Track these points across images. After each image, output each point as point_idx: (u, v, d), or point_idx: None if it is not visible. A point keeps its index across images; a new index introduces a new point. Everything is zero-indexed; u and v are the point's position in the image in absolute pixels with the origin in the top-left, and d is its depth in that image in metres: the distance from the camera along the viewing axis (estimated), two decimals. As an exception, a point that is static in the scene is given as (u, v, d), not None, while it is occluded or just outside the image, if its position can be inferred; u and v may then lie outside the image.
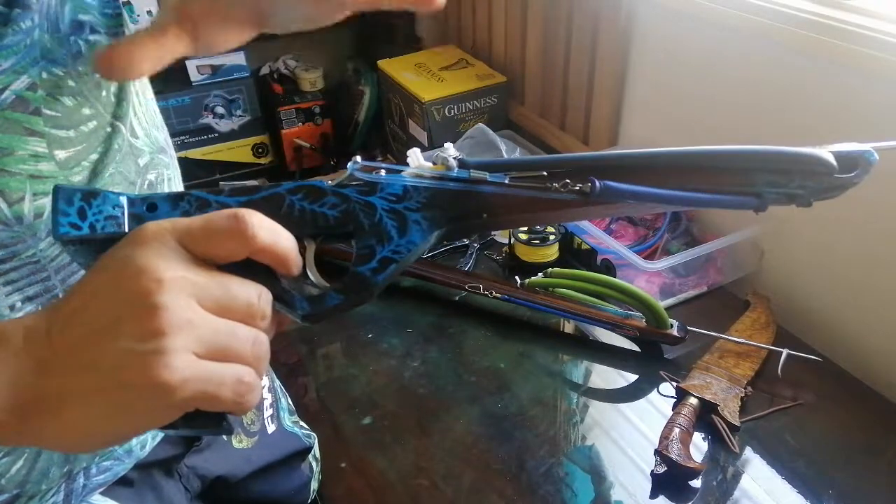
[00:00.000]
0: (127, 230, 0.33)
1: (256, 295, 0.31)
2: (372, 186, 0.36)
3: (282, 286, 0.34)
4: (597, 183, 0.36)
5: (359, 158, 0.38)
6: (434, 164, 0.37)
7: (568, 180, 0.36)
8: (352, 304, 0.36)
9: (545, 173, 0.37)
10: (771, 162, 0.36)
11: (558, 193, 0.36)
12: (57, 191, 0.33)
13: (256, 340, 0.30)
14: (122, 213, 0.34)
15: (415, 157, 0.38)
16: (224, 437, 0.62)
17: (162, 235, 0.30)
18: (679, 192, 0.36)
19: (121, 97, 0.43)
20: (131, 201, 0.34)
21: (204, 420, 0.31)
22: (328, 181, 0.37)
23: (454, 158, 0.37)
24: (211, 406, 0.29)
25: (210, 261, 0.31)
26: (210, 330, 0.29)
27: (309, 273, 0.36)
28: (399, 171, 0.37)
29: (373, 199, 0.36)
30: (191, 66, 1.80)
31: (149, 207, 0.34)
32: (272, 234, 0.31)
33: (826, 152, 0.36)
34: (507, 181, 0.37)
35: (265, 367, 0.31)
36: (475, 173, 0.37)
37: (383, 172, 0.37)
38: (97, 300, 0.29)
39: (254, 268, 0.32)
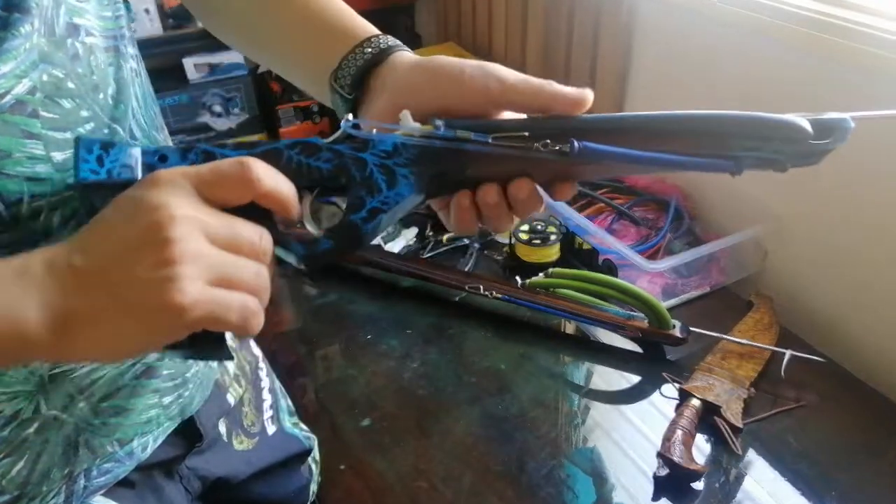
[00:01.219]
0: (140, 177, 0.37)
1: (258, 235, 0.35)
2: (364, 143, 0.39)
3: (280, 231, 0.38)
4: (575, 143, 0.38)
5: (350, 116, 0.40)
6: (423, 124, 0.40)
7: (548, 140, 0.38)
8: (342, 249, 0.39)
9: (527, 134, 0.39)
10: (748, 127, 0.38)
11: (539, 153, 0.38)
12: (78, 140, 0.37)
13: (259, 273, 0.34)
14: (136, 163, 0.37)
15: (406, 118, 0.40)
16: (225, 438, 0.61)
17: (175, 178, 0.33)
18: (655, 154, 0.38)
19: (119, 100, 0.43)
20: (144, 152, 0.38)
21: (208, 344, 0.35)
22: (324, 139, 0.40)
23: (441, 120, 0.39)
24: (218, 326, 0.33)
25: (217, 204, 0.34)
26: (218, 261, 0.33)
27: (305, 221, 0.40)
28: (390, 131, 0.40)
29: (364, 154, 0.39)
30: (188, 64, 1.80)
31: (160, 158, 0.38)
32: (274, 181, 0.35)
33: (802, 119, 0.38)
34: (490, 140, 0.39)
35: (267, 297, 0.35)
36: (461, 133, 0.39)
37: (375, 131, 0.39)
38: (115, 233, 0.32)
39: (256, 212, 0.35)
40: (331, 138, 0.40)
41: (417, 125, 0.39)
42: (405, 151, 0.39)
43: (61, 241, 0.32)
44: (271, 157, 0.38)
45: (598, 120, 0.40)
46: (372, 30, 0.46)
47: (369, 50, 0.44)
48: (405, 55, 0.44)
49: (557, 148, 0.38)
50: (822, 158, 0.39)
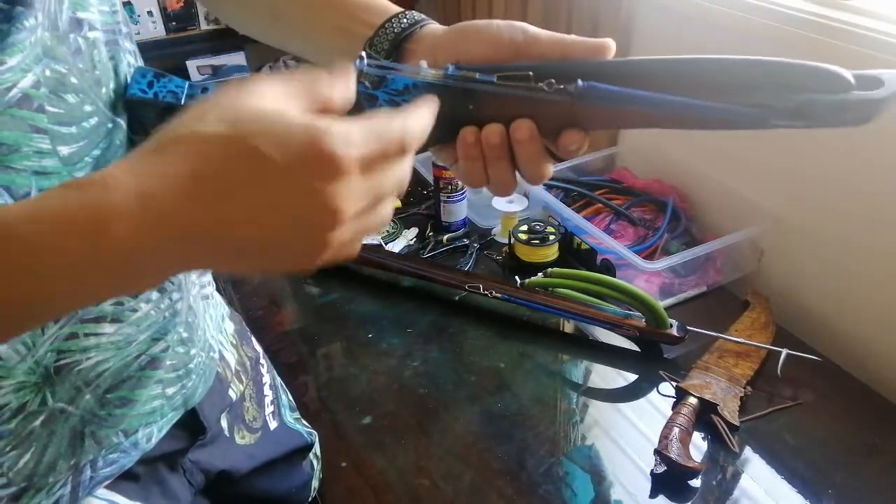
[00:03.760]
0: (182, 103, 0.42)
1: (398, 186, 0.34)
2: (378, 81, 0.41)
3: None
4: (580, 82, 0.36)
5: (364, 54, 0.41)
6: (435, 70, 0.41)
7: (553, 80, 0.37)
8: None
9: (531, 73, 0.38)
10: (775, 73, 0.35)
11: (543, 93, 0.37)
12: (135, 69, 0.43)
13: (383, 218, 0.35)
14: (182, 92, 0.43)
15: (423, 66, 0.41)
16: (227, 433, 0.62)
17: (351, 170, 0.30)
18: (671, 97, 0.35)
19: (119, 93, 0.44)
20: (190, 86, 0.43)
21: None
22: None
23: (453, 63, 0.40)
24: None
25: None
26: (357, 233, 0.33)
27: None
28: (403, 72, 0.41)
29: (377, 91, 0.41)
30: (191, 66, 1.80)
31: (202, 90, 0.43)
32: (421, 135, 0.34)
33: (839, 68, 0.34)
34: (495, 80, 0.39)
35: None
36: (466, 72, 0.40)
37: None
38: (285, 216, 0.30)
39: None
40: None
41: (431, 72, 0.41)
42: (415, 91, 0.40)
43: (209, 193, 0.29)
44: None
45: (609, 63, 0.38)
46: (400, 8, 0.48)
47: (405, 20, 0.46)
48: (438, 24, 0.47)
49: (562, 87, 0.37)
50: (873, 114, 0.34)
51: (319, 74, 0.33)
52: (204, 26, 1.77)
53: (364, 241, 0.36)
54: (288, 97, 0.32)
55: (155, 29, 1.72)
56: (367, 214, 0.33)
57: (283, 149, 0.29)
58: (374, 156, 0.31)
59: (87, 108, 0.40)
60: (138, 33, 1.67)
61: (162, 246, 0.28)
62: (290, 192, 0.29)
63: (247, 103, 0.30)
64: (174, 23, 1.73)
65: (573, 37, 0.41)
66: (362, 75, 0.41)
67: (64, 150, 0.39)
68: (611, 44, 0.39)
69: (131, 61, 0.47)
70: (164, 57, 1.74)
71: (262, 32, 0.54)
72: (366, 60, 0.41)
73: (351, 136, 0.30)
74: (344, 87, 0.34)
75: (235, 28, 0.56)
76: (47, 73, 0.37)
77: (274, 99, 0.31)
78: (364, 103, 0.41)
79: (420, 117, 0.34)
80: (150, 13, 1.70)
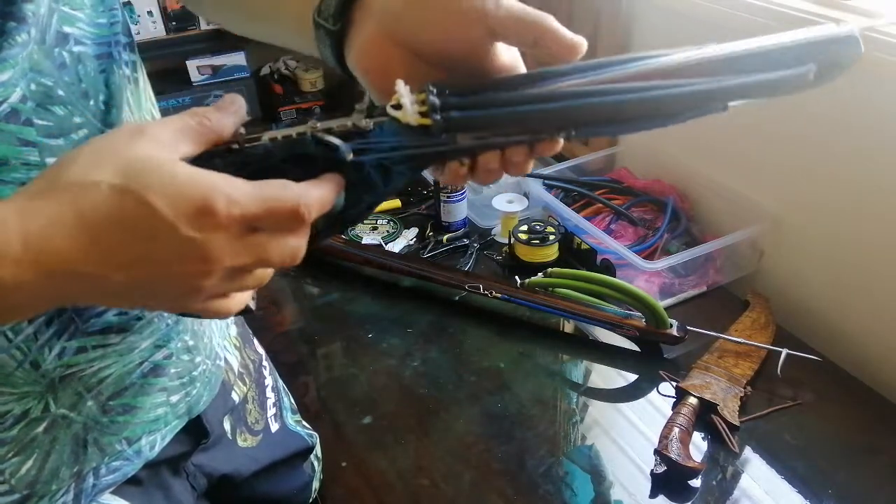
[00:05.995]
0: None
1: (290, 257, 0.35)
2: (364, 135, 0.38)
3: None
4: (573, 132, 0.39)
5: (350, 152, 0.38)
6: (419, 103, 0.36)
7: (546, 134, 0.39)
8: (330, 235, 0.42)
9: (527, 137, 0.39)
10: (745, 93, 0.41)
11: (545, 136, 0.39)
12: None
13: (265, 276, 0.37)
14: None
15: (401, 88, 0.37)
16: (230, 435, 0.62)
17: (229, 226, 0.32)
18: (642, 123, 0.40)
19: (111, 104, 0.43)
20: None
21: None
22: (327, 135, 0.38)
23: (436, 111, 0.36)
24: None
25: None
26: (232, 287, 0.35)
27: None
28: (382, 126, 0.38)
29: (363, 157, 0.38)
30: (191, 66, 1.80)
31: None
32: (322, 209, 0.35)
33: (807, 68, 0.39)
34: (492, 141, 0.38)
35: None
36: (463, 141, 0.38)
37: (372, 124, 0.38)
38: (158, 262, 0.32)
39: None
40: (333, 138, 0.37)
41: (414, 114, 0.36)
42: (402, 150, 0.38)
43: (83, 240, 0.30)
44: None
45: (597, 108, 0.38)
46: None
47: None
48: None
49: (565, 134, 0.39)
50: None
51: (206, 111, 0.35)
52: (204, 26, 1.77)
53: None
54: (177, 140, 0.33)
55: (155, 29, 1.71)
56: (243, 273, 0.34)
57: (174, 203, 0.30)
58: (260, 217, 0.32)
59: (77, 119, 0.40)
60: (138, 33, 1.67)
61: (40, 285, 0.30)
62: (172, 241, 0.31)
63: (137, 151, 0.31)
64: (174, 23, 1.73)
65: (549, 22, 0.39)
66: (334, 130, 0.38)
67: (52, 162, 0.39)
68: (584, 44, 0.40)
69: (127, 73, 0.46)
70: (164, 57, 1.73)
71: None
72: (349, 148, 0.37)
73: (236, 195, 0.31)
74: (230, 117, 0.36)
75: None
76: (33, 86, 0.37)
77: (164, 144, 0.32)
78: (351, 172, 0.38)
79: (320, 192, 0.35)
80: (150, 13, 1.70)
